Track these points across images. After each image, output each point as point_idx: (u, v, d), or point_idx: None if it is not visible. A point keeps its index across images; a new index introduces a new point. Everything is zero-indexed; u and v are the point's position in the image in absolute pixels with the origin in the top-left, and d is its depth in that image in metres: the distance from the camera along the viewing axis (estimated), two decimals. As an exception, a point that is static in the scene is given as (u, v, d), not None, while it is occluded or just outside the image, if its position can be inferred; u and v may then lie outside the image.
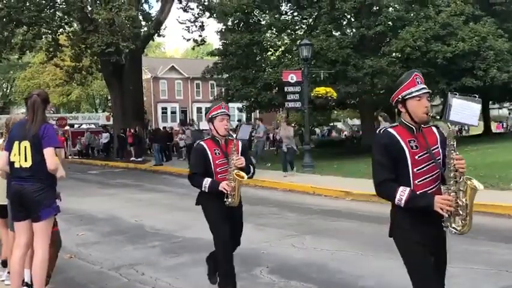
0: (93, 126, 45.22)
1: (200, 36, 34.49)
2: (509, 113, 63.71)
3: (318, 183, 15.66)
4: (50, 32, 32.74)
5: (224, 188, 5.30)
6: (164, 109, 58.84)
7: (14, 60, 52.75)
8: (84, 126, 46.73)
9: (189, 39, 34.85)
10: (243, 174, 5.34)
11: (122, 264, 7.67)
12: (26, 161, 5.43)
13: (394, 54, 25.10)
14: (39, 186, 5.41)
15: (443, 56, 22.47)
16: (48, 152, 5.39)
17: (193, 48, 37.88)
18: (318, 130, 51.55)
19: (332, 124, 56.20)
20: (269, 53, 27.52)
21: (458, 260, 7.18)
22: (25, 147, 5.43)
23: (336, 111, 48.90)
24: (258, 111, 33.16)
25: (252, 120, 41.45)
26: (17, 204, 5.59)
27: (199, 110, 58.85)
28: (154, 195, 15.80)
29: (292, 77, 20.11)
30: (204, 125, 37.42)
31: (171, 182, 19.39)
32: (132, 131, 29.53)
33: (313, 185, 15.53)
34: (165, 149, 27.87)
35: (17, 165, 5.49)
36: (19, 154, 5.46)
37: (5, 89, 65.60)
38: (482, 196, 11.51)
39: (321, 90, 20.80)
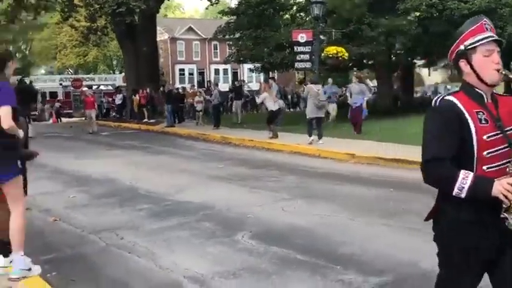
0: (110, 87, 45.08)
1: (215, -5, 33.75)
2: None
3: (324, 146, 15.31)
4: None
5: (506, 193, 2.60)
6: (182, 70, 58.39)
7: (32, 21, 52.87)
8: (102, 87, 46.63)
9: (203, -1, 34.20)
10: None
11: (104, 228, 7.46)
12: None
13: (411, 12, 24.35)
14: None
15: (461, 14, 21.64)
16: (3, 111, 5.12)
17: (207, 8, 37.28)
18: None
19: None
20: (282, 12, 26.89)
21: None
22: None
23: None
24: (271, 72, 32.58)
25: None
26: None
27: (216, 71, 58.36)
28: (159, 157, 15.56)
29: (302, 37, 19.62)
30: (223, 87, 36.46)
31: (179, 144, 19.15)
32: (144, 92, 29.29)
33: (319, 147, 15.18)
34: (177, 110, 27.61)
35: None
36: None
37: (24, 51, 65.68)
38: None
39: (331, 50, 20.26)
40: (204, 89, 36.19)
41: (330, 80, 23.08)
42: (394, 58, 27.07)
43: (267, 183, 10.60)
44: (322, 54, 20.11)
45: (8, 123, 5.12)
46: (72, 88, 41.88)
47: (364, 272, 5.42)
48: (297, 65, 20.00)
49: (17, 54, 65.54)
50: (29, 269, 5.47)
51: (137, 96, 29.89)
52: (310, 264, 5.75)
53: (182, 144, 19.33)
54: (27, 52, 64.91)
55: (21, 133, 5.47)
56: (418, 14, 24.15)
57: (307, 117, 16.18)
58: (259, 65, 26.30)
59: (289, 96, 40.06)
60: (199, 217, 7.93)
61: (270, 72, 29.98)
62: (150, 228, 7.46)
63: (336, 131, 17.95)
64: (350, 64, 26.04)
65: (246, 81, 54.41)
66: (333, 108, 21.39)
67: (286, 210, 8.15)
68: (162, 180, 11.36)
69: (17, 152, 5.41)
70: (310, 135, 15.98)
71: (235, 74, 57.26)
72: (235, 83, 30.11)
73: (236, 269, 5.65)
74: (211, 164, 13.54)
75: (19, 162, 5.47)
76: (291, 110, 36.28)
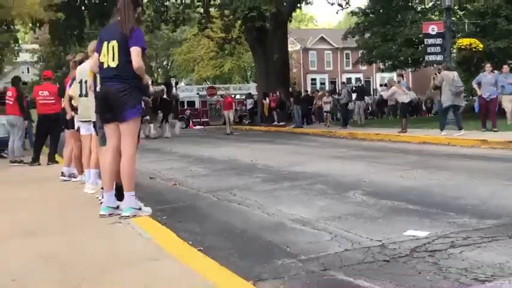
0: (244, 97, 46.13)
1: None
2: None
3: (454, 135, 14.54)
4: (201, 4, 33.83)
5: None
6: (313, 80, 58.57)
7: (174, 37, 55.92)
8: (238, 96, 47.82)
9: (333, 4, 34.08)
10: None
11: (219, 189, 7.60)
12: (113, 60, 5.46)
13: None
14: (124, 86, 5.41)
15: None
16: (134, 51, 5.38)
17: (337, 13, 37.28)
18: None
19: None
20: (413, 9, 26.16)
21: None
22: (113, 46, 5.46)
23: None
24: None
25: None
26: (104, 106, 5.63)
27: (348, 80, 57.74)
28: (282, 146, 15.62)
29: (433, 29, 18.90)
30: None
31: (304, 138, 19.10)
32: (274, 96, 29.69)
33: (449, 137, 14.45)
34: (306, 113, 27.62)
35: (105, 65, 5.53)
36: (107, 54, 5.50)
37: (166, 66, 69.38)
38: None
39: (464, 41, 19.29)
40: (336, 95, 35.95)
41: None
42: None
43: (387, 160, 10.28)
44: (455, 46, 19.24)
45: (137, 62, 5.38)
46: (208, 97, 43.39)
47: (479, 216, 5.04)
48: (428, 57, 19.23)
49: (159, 70, 69.64)
50: (139, 208, 5.67)
51: (267, 100, 30.36)
52: (420, 212, 5.46)
53: (307, 138, 19.31)
54: (168, 67, 68.53)
55: (147, 78, 5.73)
56: None
57: (443, 106, 15.21)
58: (389, 63, 25.71)
59: (423, 102, 38.72)
60: (312, 181, 7.85)
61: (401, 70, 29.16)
62: (262, 189, 7.49)
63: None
64: (480, 58, 24.51)
65: (380, 90, 53.39)
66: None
67: (404, 177, 7.82)
68: (281, 159, 11.42)
69: (141, 94, 5.68)
70: (442, 128, 14.99)
71: (367, 83, 56.42)
72: (358, 83, 29.60)
73: (342, 214, 5.50)
74: (332, 149, 13.46)
75: (143, 104, 5.73)
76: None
